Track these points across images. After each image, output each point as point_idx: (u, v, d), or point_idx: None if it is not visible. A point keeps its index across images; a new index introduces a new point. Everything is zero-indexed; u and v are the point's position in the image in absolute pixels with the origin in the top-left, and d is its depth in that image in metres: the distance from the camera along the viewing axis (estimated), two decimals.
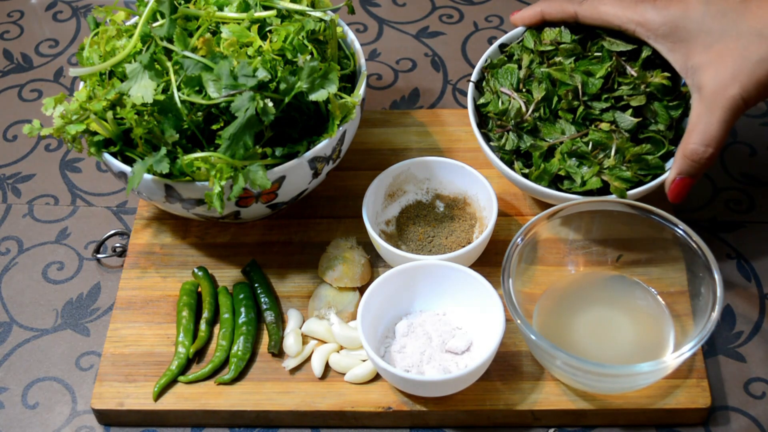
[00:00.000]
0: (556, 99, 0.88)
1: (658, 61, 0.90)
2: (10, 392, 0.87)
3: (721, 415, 0.83)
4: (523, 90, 0.91)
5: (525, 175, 0.89)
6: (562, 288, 0.88)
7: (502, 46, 0.97)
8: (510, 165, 0.91)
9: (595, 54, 0.90)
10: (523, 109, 0.89)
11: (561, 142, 0.87)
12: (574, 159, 0.87)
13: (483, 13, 1.22)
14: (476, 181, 0.92)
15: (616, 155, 0.86)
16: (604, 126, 0.86)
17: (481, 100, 0.94)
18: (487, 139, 0.93)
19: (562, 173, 0.88)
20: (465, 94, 1.11)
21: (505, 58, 0.95)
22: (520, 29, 0.96)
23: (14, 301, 0.94)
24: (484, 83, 0.95)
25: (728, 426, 0.82)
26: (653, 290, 0.86)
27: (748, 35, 0.75)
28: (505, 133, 0.90)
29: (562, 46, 0.90)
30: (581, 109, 0.87)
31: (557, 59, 0.90)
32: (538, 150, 0.88)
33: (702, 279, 0.81)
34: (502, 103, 0.91)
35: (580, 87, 0.87)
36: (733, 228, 0.96)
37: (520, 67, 0.92)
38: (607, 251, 0.89)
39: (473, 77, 0.95)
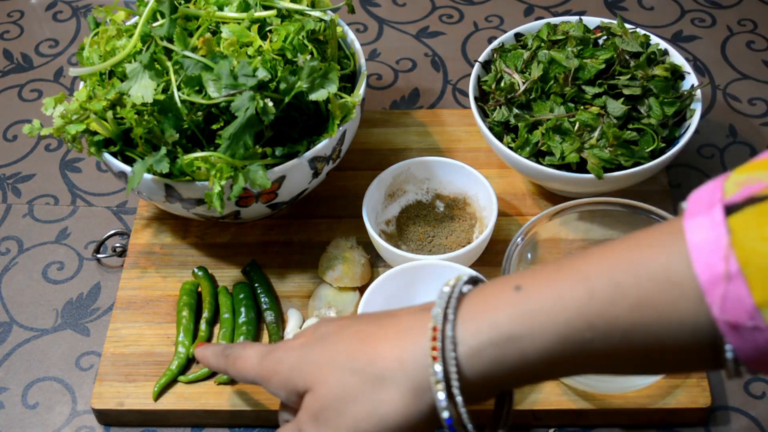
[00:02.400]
0: (552, 81, 0.90)
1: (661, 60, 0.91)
2: (10, 392, 0.87)
3: (721, 415, 0.83)
4: (526, 72, 0.94)
5: (512, 149, 0.90)
6: None
7: (518, 35, 1.00)
8: (500, 138, 0.93)
9: (603, 47, 0.93)
10: (517, 85, 0.91)
11: (548, 119, 0.89)
12: (558, 136, 0.88)
13: (483, 13, 1.22)
14: (476, 181, 0.92)
15: (601, 138, 0.87)
16: (594, 109, 0.88)
17: (484, 78, 0.97)
18: (485, 116, 0.95)
19: (544, 149, 0.90)
20: (465, 94, 1.12)
21: (519, 45, 0.98)
22: (538, 23, 1.00)
23: (14, 301, 0.94)
24: (492, 64, 0.98)
25: (728, 426, 0.82)
26: None
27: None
28: (498, 107, 0.93)
29: (571, 34, 0.93)
30: (572, 90, 0.89)
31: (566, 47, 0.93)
32: (524, 122, 0.90)
33: None
34: (501, 80, 0.94)
35: (572, 70, 0.89)
36: None
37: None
38: None
39: (481, 58, 0.98)
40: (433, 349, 0.55)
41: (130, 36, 0.86)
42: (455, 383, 0.54)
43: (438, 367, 0.54)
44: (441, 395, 0.55)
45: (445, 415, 0.55)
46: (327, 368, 0.59)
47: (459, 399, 0.55)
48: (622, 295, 0.50)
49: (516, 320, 0.53)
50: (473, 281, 0.59)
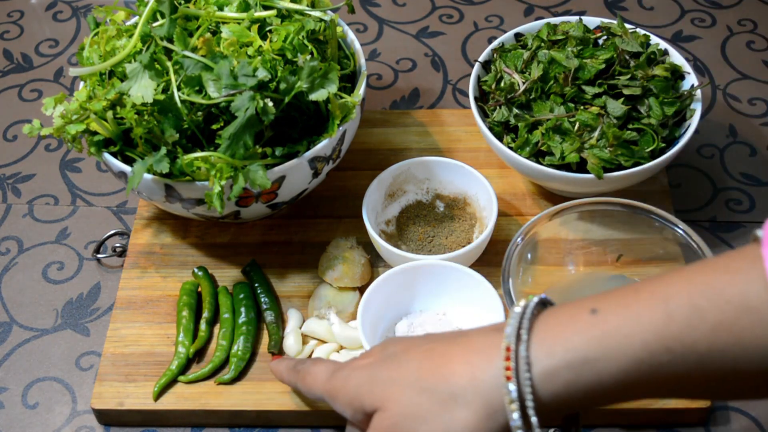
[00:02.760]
0: (552, 81, 0.90)
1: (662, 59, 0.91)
2: (10, 392, 0.87)
3: (721, 415, 0.83)
4: (526, 72, 0.93)
5: (512, 149, 0.90)
6: (562, 288, 0.87)
7: (518, 35, 1.00)
8: (500, 138, 0.93)
9: (603, 47, 0.93)
10: (517, 85, 0.91)
11: (548, 119, 0.89)
12: (558, 136, 0.88)
13: (483, 13, 1.22)
14: (476, 181, 0.92)
15: (601, 138, 0.87)
16: (594, 109, 0.88)
17: (484, 78, 0.97)
18: (485, 116, 0.95)
19: (544, 149, 0.90)
20: (465, 94, 1.12)
21: (519, 45, 0.98)
22: (538, 23, 0.99)
23: (14, 301, 0.94)
24: (492, 64, 0.98)
25: (728, 426, 0.82)
26: None
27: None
28: (498, 107, 0.93)
29: (571, 33, 0.93)
30: (572, 90, 0.89)
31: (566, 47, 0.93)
32: (524, 122, 0.90)
33: None
34: (501, 80, 0.94)
35: (572, 70, 0.89)
36: (733, 228, 0.96)
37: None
38: (607, 251, 0.89)
39: (481, 58, 0.98)
40: (507, 369, 0.55)
41: (130, 36, 0.86)
42: (530, 403, 0.54)
43: (512, 387, 0.54)
44: (515, 415, 0.55)
45: None
46: (397, 387, 0.59)
47: (534, 420, 0.55)
48: (700, 319, 0.51)
49: (592, 343, 0.54)
50: (543, 303, 0.59)
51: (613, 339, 0.53)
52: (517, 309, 0.57)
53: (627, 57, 0.92)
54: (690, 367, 0.52)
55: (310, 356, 0.86)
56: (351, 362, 0.65)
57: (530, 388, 0.54)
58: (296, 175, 0.85)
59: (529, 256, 0.85)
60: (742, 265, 0.52)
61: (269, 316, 0.88)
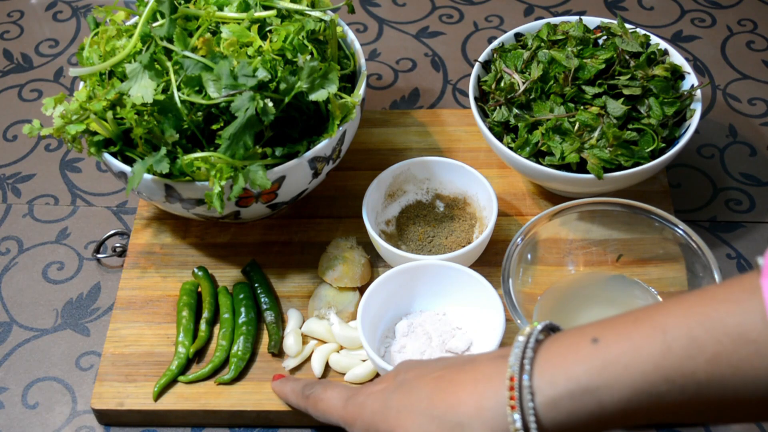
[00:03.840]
0: (552, 81, 0.90)
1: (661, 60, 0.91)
2: (10, 392, 0.87)
3: None
4: (526, 72, 0.93)
5: (512, 149, 0.90)
6: (562, 288, 0.88)
7: (518, 35, 1.00)
8: (500, 138, 0.93)
9: (603, 47, 0.93)
10: (517, 85, 0.91)
11: (548, 119, 0.89)
12: (558, 136, 0.88)
13: (483, 13, 1.22)
14: (476, 181, 0.92)
15: (601, 138, 0.87)
16: (594, 109, 0.88)
17: (484, 78, 0.97)
18: (485, 116, 0.95)
19: (544, 149, 0.90)
20: (465, 94, 1.12)
21: (519, 45, 0.98)
22: (538, 23, 0.99)
23: (14, 301, 0.94)
24: (492, 64, 0.98)
25: (728, 426, 0.82)
26: (653, 290, 0.86)
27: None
28: (498, 107, 0.93)
29: (571, 33, 0.93)
30: (572, 90, 0.89)
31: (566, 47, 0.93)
32: (524, 122, 0.91)
33: (702, 279, 0.81)
34: (501, 80, 0.94)
35: (572, 70, 0.89)
36: (733, 228, 0.96)
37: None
38: (607, 251, 0.89)
39: (481, 58, 0.98)
40: (511, 398, 0.56)
41: (130, 36, 0.86)
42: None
43: (516, 416, 0.56)
44: None
45: None
46: (408, 415, 0.61)
47: None
48: (698, 351, 0.52)
49: (594, 373, 0.54)
50: (548, 328, 0.60)
51: (614, 369, 0.54)
52: (521, 338, 0.58)
53: (627, 57, 0.92)
54: (690, 396, 0.53)
55: (309, 357, 0.86)
56: (366, 388, 0.68)
57: (534, 417, 0.55)
58: (296, 175, 0.85)
59: (529, 256, 0.85)
60: (740, 296, 0.52)
61: (269, 316, 0.88)
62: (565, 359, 0.56)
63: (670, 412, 0.54)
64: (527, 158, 0.90)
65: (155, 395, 0.83)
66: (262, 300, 0.89)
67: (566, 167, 0.89)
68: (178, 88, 0.81)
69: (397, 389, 0.64)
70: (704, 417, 0.56)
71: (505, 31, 1.07)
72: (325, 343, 0.87)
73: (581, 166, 0.89)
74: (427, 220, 0.94)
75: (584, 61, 0.91)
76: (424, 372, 0.64)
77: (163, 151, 0.80)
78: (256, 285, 0.91)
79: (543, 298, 0.87)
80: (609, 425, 0.56)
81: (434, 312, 0.86)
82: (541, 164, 0.89)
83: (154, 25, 0.86)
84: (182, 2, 0.91)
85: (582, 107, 0.90)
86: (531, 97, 0.92)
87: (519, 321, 0.78)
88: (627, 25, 0.96)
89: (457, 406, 0.59)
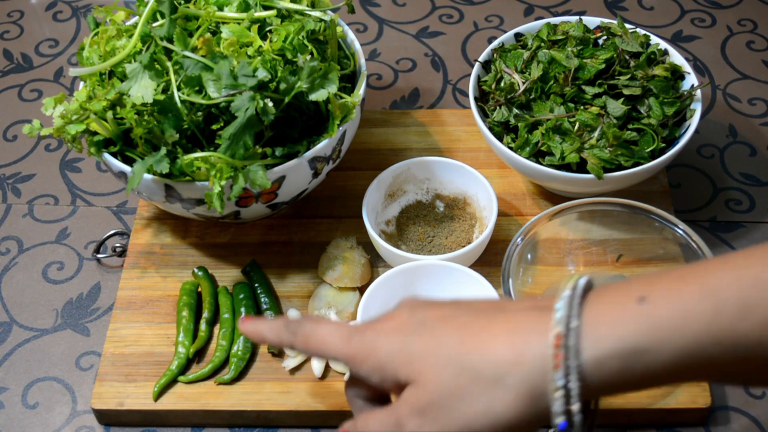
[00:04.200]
0: (552, 81, 0.90)
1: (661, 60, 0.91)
2: (10, 392, 0.87)
3: (721, 415, 0.83)
4: (526, 72, 0.94)
5: (512, 149, 0.91)
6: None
7: (517, 35, 1.00)
8: (500, 138, 0.93)
9: (603, 47, 0.93)
10: (517, 85, 0.91)
11: (548, 119, 0.89)
12: (558, 136, 0.88)
13: (483, 13, 1.22)
14: (476, 181, 0.92)
15: (601, 138, 0.87)
16: (594, 109, 0.88)
17: (484, 78, 0.97)
18: (485, 116, 0.95)
19: (544, 149, 0.90)
20: (465, 94, 1.12)
21: (519, 45, 0.98)
22: (538, 23, 0.99)
23: (14, 301, 0.94)
24: (492, 64, 0.98)
25: (728, 426, 0.82)
26: None
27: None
28: (498, 107, 0.93)
29: (571, 33, 0.93)
30: (572, 90, 0.89)
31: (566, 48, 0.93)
32: (524, 122, 0.91)
33: None
34: (501, 80, 0.94)
35: (572, 70, 0.89)
36: (733, 228, 0.96)
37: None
38: (607, 251, 0.89)
39: (481, 57, 0.98)
40: (556, 356, 0.54)
41: (130, 36, 0.86)
42: (575, 391, 0.54)
43: (559, 375, 0.54)
44: (559, 403, 0.54)
45: (560, 420, 0.54)
46: (435, 362, 0.57)
47: (575, 407, 0.54)
48: (750, 312, 0.51)
49: (642, 334, 0.53)
50: (588, 284, 0.58)
51: (663, 331, 0.53)
52: (567, 293, 0.56)
53: (627, 57, 0.92)
54: (739, 358, 0.52)
55: (309, 357, 0.86)
56: (374, 325, 0.61)
57: (577, 376, 0.53)
58: (296, 175, 0.85)
59: (529, 256, 0.85)
60: None
61: (269, 316, 0.88)
62: (611, 317, 0.54)
63: (717, 372, 0.54)
64: (527, 158, 0.90)
65: (155, 395, 0.83)
66: (262, 300, 0.89)
67: (566, 167, 0.89)
68: (178, 88, 0.81)
69: (417, 330, 0.59)
70: (752, 378, 0.55)
71: (505, 31, 1.07)
72: None
73: (581, 166, 0.89)
74: (427, 220, 0.94)
75: (584, 61, 0.91)
76: (450, 315, 0.59)
77: (163, 151, 0.80)
78: (256, 285, 0.91)
79: None
80: (653, 384, 0.55)
81: None
82: (541, 164, 0.89)
83: (154, 25, 0.86)
84: (182, 2, 0.90)
85: (582, 107, 0.90)
86: (531, 97, 0.92)
87: None
88: (627, 25, 0.96)
89: (493, 358, 0.55)
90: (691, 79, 0.95)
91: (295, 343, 0.66)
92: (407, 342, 0.58)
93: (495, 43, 0.99)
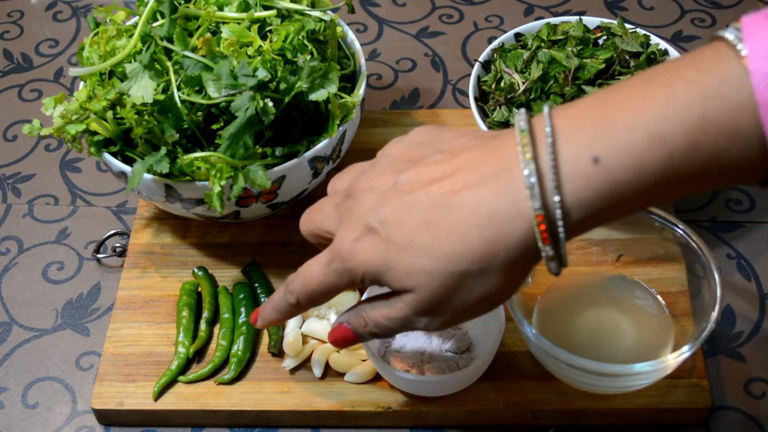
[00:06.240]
0: (552, 81, 0.90)
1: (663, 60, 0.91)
2: (10, 392, 0.87)
3: (721, 415, 0.83)
4: (526, 72, 0.93)
5: None
6: (562, 288, 0.88)
7: (517, 35, 1.00)
8: None
9: (603, 47, 0.93)
10: (517, 85, 0.91)
11: None
12: None
13: (483, 13, 1.22)
14: None
15: None
16: None
17: (484, 78, 0.97)
18: (485, 116, 0.95)
19: None
20: (465, 94, 1.12)
21: (519, 45, 0.98)
22: (538, 23, 0.98)
23: (14, 301, 0.94)
24: (492, 64, 0.98)
25: (728, 426, 0.82)
26: (653, 290, 0.86)
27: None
28: (498, 107, 0.93)
29: (571, 33, 0.93)
30: (572, 90, 0.89)
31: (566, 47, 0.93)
32: None
33: (702, 279, 0.81)
34: (501, 80, 0.94)
35: (572, 70, 0.89)
36: (733, 228, 0.96)
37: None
38: (607, 251, 0.89)
39: (481, 57, 0.98)
40: (543, 234, 0.56)
41: (130, 36, 0.86)
42: (561, 230, 0.56)
43: (549, 248, 0.57)
44: (549, 248, 0.57)
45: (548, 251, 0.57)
46: (422, 275, 0.59)
47: (564, 250, 0.58)
48: (696, 155, 0.53)
49: (602, 197, 0.55)
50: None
51: (620, 188, 0.54)
52: (522, 157, 0.56)
53: (627, 57, 0.92)
54: (686, 189, 0.55)
55: (309, 357, 0.86)
56: (347, 234, 0.62)
57: (562, 245, 0.57)
58: (296, 175, 0.85)
59: None
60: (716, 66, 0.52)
61: None
62: (571, 186, 0.55)
63: (668, 198, 0.56)
64: None
65: (155, 395, 0.83)
66: (262, 300, 0.89)
67: None
68: (178, 88, 0.81)
69: (392, 246, 0.60)
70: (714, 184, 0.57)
71: (505, 31, 1.07)
72: (325, 343, 0.87)
73: None
74: None
75: (584, 61, 0.91)
76: (412, 213, 0.60)
77: (163, 151, 0.80)
78: (256, 285, 0.91)
79: (543, 298, 0.87)
80: (629, 206, 0.56)
81: None
82: None
83: (154, 25, 0.86)
84: (182, 2, 0.91)
85: None
86: (531, 97, 0.92)
87: (519, 321, 0.78)
88: (627, 25, 0.96)
89: (469, 258, 0.58)
90: None
91: (299, 300, 0.68)
92: (387, 260, 0.61)
93: (495, 43, 0.99)
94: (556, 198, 0.55)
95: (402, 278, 0.60)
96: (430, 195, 0.59)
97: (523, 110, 0.58)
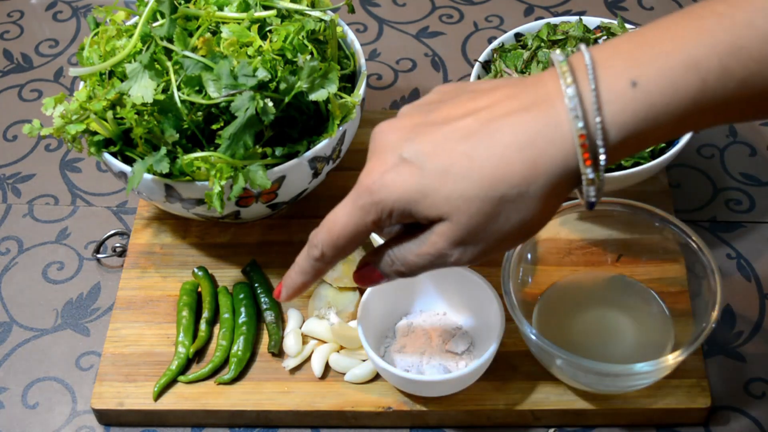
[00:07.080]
0: None
1: None
2: (10, 392, 0.87)
3: (721, 415, 0.83)
4: (526, 72, 0.93)
5: None
6: (562, 288, 0.88)
7: (517, 35, 1.00)
8: None
9: None
10: None
11: None
12: None
13: (483, 13, 1.22)
14: None
15: None
16: None
17: (484, 78, 0.96)
18: None
19: None
20: None
21: (519, 46, 0.98)
22: (538, 23, 0.98)
23: (14, 301, 0.94)
24: (492, 64, 0.98)
25: (728, 426, 0.82)
26: (653, 290, 0.86)
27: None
28: None
29: (571, 33, 0.93)
30: None
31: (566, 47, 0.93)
32: None
33: (702, 279, 0.81)
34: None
35: None
36: (733, 228, 0.96)
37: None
38: (607, 251, 0.89)
39: (481, 57, 0.98)
40: (584, 155, 0.57)
41: (130, 36, 0.86)
42: (602, 150, 0.56)
43: (590, 170, 0.58)
44: (589, 170, 0.58)
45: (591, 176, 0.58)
46: (460, 201, 0.58)
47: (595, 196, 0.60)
48: (729, 80, 0.54)
49: (639, 120, 0.56)
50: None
51: (657, 111, 0.55)
52: (569, 90, 0.57)
53: None
54: (719, 118, 0.56)
55: (309, 357, 0.86)
56: (377, 166, 0.61)
57: (600, 174, 0.58)
58: (296, 175, 0.85)
59: (529, 256, 0.85)
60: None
61: (269, 316, 0.88)
62: (611, 108, 0.56)
63: (700, 125, 0.57)
64: None
65: (155, 395, 0.83)
66: (262, 300, 0.89)
67: None
68: (178, 88, 0.81)
69: (426, 172, 0.59)
70: (739, 118, 0.58)
71: (505, 31, 1.07)
72: (325, 343, 0.87)
73: None
74: None
75: None
76: (449, 139, 0.59)
77: (163, 151, 0.80)
78: (256, 285, 0.91)
79: (543, 298, 0.87)
80: (665, 131, 0.57)
81: (434, 312, 0.86)
82: None
83: (154, 25, 0.86)
84: (182, 2, 0.90)
85: None
86: None
87: (519, 321, 0.78)
88: (627, 25, 0.96)
89: (509, 181, 0.58)
90: None
91: (324, 252, 0.65)
92: (422, 187, 0.59)
93: (495, 43, 0.99)
94: (597, 119, 0.55)
95: (440, 205, 0.58)
96: (467, 124, 0.59)
97: (558, 50, 0.59)
